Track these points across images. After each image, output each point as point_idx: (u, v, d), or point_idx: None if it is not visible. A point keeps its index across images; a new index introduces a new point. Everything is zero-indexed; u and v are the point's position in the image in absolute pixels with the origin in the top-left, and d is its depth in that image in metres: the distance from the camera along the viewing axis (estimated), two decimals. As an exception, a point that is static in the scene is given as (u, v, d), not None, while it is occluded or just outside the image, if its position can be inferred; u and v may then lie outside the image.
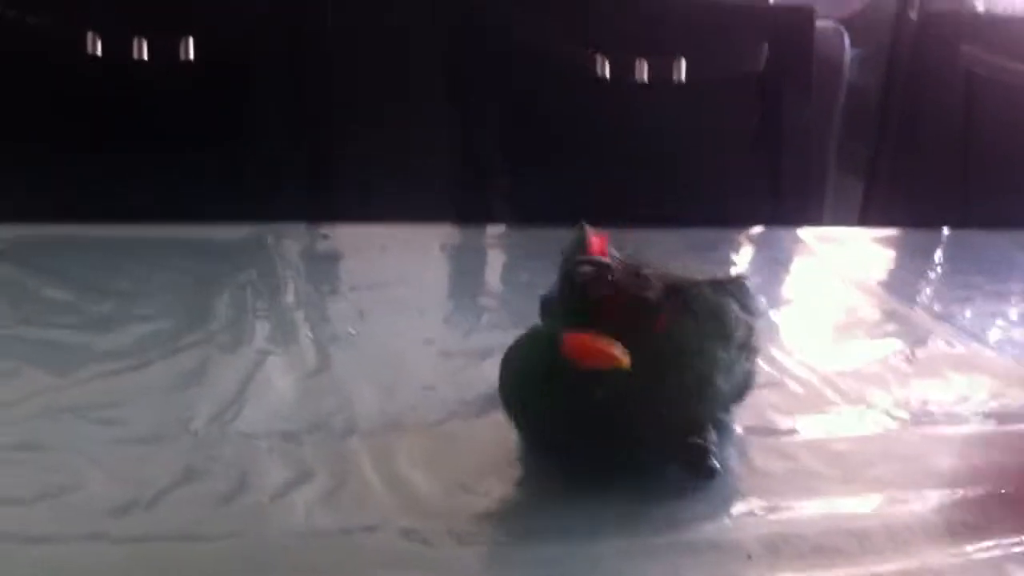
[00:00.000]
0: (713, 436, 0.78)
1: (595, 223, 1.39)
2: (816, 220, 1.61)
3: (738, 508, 0.76)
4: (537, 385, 0.75)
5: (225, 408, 0.83)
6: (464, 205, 1.44)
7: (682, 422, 0.78)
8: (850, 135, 1.88)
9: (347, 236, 1.29)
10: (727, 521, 0.74)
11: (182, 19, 1.39)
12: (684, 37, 1.47)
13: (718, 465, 0.77)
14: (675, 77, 1.49)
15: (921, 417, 0.92)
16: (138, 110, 1.37)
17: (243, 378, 0.88)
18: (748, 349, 0.84)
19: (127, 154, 1.34)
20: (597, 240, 0.84)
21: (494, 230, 1.40)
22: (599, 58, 1.47)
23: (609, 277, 0.79)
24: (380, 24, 1.63)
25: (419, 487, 0.74)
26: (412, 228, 1.35)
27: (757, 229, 1.46)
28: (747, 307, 0.86)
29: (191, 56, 1.38)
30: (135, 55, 1.37)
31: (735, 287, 0.87)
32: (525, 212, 1.44)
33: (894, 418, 0.91)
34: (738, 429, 0.86)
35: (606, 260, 0.81)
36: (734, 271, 0.92)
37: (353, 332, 1.00)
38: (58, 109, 1.33)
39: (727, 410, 0.84)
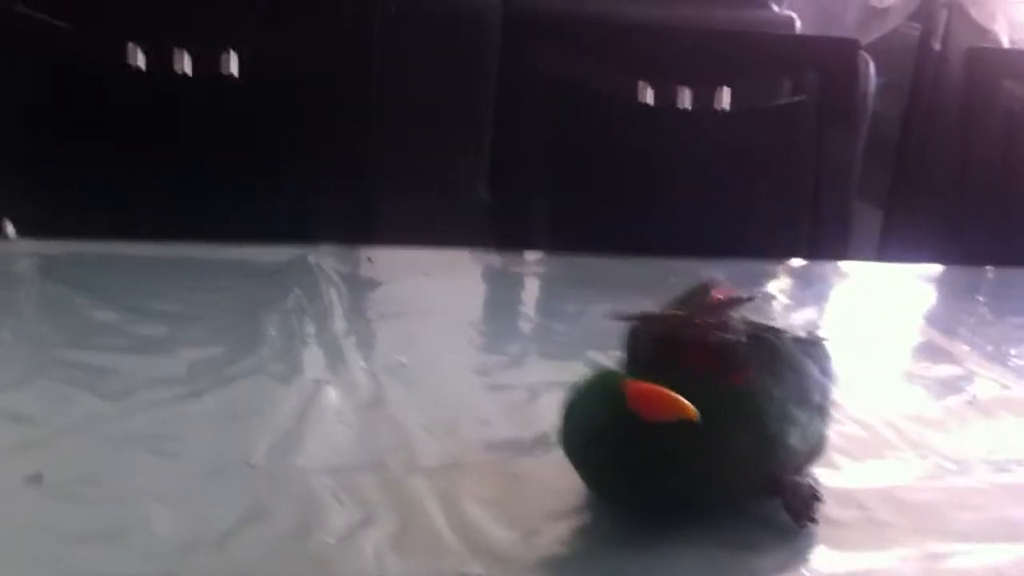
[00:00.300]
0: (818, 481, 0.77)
1: (633, 252, 1.40)
2: (845, 252, 1.60)
3: (816, 561, 0.74)
4: (602, 438, 0.72)
5: (283, 441, 0.81)
6: (505, 231, 1.42)
7: (751, 480, 0.76)
8: (868, 163, 1.88)
9: (390, 260, 1.27)
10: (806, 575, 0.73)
11: (225, 32, 1.37)
12: (728, 66, 1.46)
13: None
14: (718, 106, 1.48)
15: (986, 464, 0.91)
16: (179, 125, 1.36)
17: (299, 410, 0.86)
18: (823, 412, 0.82)
19: (167, 170, 1.33)
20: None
21: (534, 256, 1.38)
22: (642, 85, 1.45)
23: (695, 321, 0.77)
24: (428, 47, 1.62)
25: (488, 531, 0.72)
26: (454, 253, 1.33)
27: (798, 262, 1.45)
28: (825, 369, 0.85)
29: (234, 71, 1.37)
30: (177, 68, 1.36)
31: (815, 348, 0.85)
32: (566, 239, 1.42)
33: (958, 464, 0.90)
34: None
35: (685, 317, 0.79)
36: (813, 331, 0.89)
37: (404, 362, 0.98)
38: (100, 123, 1.32)
39: (799, 472, 0.82)
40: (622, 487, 0.74)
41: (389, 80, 1.35)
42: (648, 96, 1.47)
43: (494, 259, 1.36)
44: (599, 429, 0.72)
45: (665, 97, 1.47)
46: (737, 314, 0.80)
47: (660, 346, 0.77)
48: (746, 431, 0.75)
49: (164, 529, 0.69)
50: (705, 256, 1.36)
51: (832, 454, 0.88)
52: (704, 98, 1.48)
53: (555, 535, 0.73)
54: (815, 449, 0.82)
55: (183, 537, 0.68)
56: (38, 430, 0.79)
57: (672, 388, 0.71)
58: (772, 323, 0.84)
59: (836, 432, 0.92)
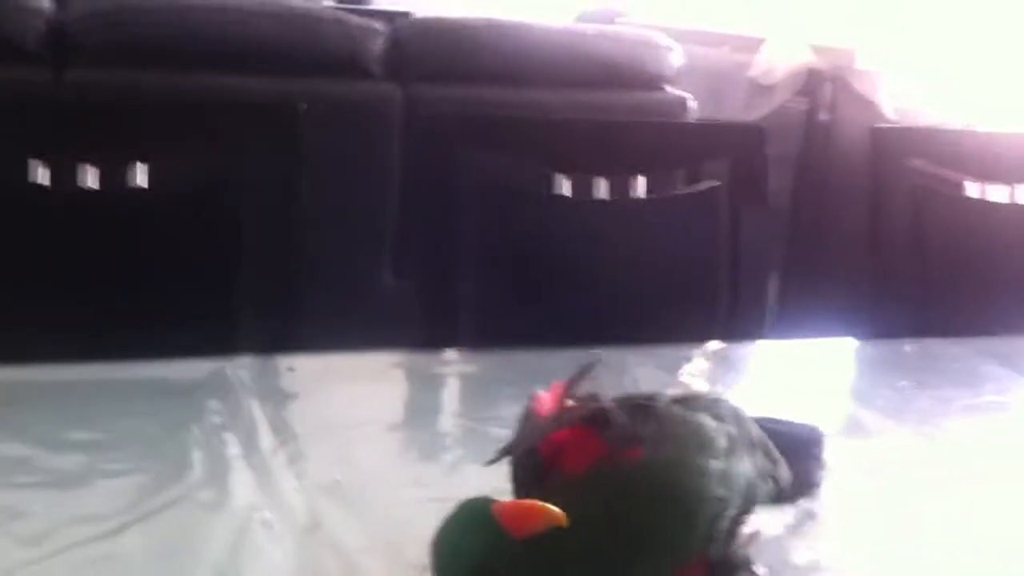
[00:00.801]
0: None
1: (557, 343, 1.38)
2: (762, 332, 1.61)
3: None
4: (489, 566, 0.69)
5: (220, 578, 0.76)
6: (427, 329, 1.40)
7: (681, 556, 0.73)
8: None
9: (311, 368, 1.23)
10: None
11: (133, 144, 1.33)
12: (642, 155, 1.47)
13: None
14: (633, 194, 1.49)
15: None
16: (86, 241, 1.30)
17: (232, 541, 0.81)
18: (734, 455, 0.79)
19: (73, 288, 1.27)
20: (549, 400, 0.81)
21: (457, 354, 1.36)
22: (558, 178, 1.45)
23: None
24: (345, 151, 1.60)
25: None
26: (376, 356, 1.30)
27: (716, 344, 1.45)
28: (720, 416, 0.82)
29: (143, 183, 1.33)
30: (82, 183, 1.31)
31: (702, 401, 0.83)
32: (489, 335, 1.40)
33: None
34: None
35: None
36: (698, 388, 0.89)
37: (339, 479, 0.94)
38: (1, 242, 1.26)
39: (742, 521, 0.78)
40: None
41: (310, 180, 1.32)
42: (565, 188, 1.47)
43: (418, 359, 1.33)
44: (482, 558, 0.69)
45: (581, 188, 1.47)
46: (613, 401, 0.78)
47: (538, 463, 0.75)
48: (656, 503, 0.72)
49: None
50: (629, 343, 1.36)
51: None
52: (619, 187, 1.48)
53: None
54: (752, 495, 0.78)
55: None
56: (-52, 586, 0.73)
57: (562, 496, 0.69)
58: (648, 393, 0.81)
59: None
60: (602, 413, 0.76)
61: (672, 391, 1.24)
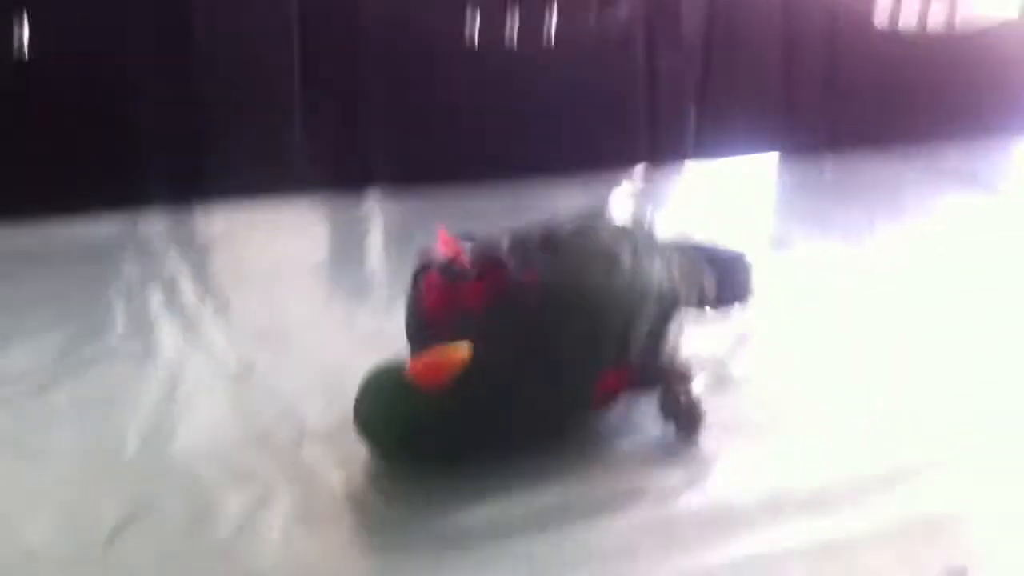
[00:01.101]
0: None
1: (475, 180, 1.36)
2: (684, 153, 1.59)
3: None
4: (413, 427, 0.69)
5: (154, 429, 0.74)
6: (343, 170, 1.36)
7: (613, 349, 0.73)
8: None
9: (229, 217, 1.20)
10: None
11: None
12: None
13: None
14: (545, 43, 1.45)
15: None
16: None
17: (164, 392, 0.80)
18: (640, 264, 0.79)
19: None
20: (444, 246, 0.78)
21: (375, 194, 1.33)
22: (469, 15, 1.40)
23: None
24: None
25: (395, 493, 0.69)
26: (293, 202, 1.27)
27: (640, 169, 1.44)
28: (623, 234, 0.81)
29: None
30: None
31: (591, 217, 0.84)
32: (405, 173, 1.37)
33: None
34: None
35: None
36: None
37: (268, 325, 0.92)
38: None
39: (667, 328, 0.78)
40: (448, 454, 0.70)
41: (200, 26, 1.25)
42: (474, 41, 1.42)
43: (338, 203, 1.31)
44: (410, 423, 0.69)
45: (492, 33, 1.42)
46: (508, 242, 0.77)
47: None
48: (557, 320, 0.72)
49: (39, 540, 0.63)
50: (556, 175, 1.35)
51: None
52: (531, 33, 1.44)
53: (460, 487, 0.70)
54: (668, 299, 0.79)
55: (62, 548, 0.62)
56: None
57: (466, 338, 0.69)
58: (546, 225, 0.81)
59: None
60: (488, 253, 0.75)
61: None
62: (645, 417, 0.75)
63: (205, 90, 1.28)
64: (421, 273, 0.76)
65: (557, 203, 1.26)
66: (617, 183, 1.37)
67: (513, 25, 1.43)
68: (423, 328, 0.74)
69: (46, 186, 1.22)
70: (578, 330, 0.73)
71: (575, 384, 0.73)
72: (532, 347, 0.71)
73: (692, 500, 0.67)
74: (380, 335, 0.91)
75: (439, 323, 0.73)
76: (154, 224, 1.13)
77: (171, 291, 0.98)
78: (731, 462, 0.71)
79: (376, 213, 1.29)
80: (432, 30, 1.41)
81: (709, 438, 0.73)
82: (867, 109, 1.60)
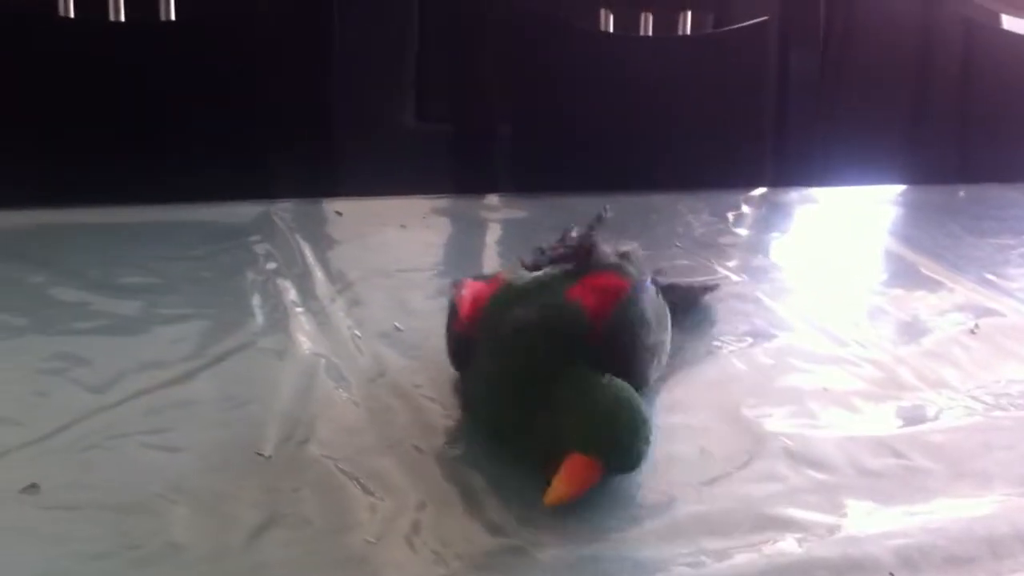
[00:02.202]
0: None
1: (598, 190, 1.35)
2: (811, 178, 1.57)
3: (857, 514, 0.71)
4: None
5: (293, 427, 0.75)
6: (469, 172, 1.37)
7: None
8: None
9: (359, 213, 1.21)
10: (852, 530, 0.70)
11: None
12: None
13: None
14: (681, 31, 1.43)
15: (1007, 400, 0.89)
16: (116, 78, 1.26)
17: (301, 389, 0.80)
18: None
19: (110, 128, 1.23)
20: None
21: (499, 199, 1.33)
22: (604, 12, 1.40)
23: None
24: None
25: (534, 502, 0.69)
26: (420, 201, 1.27)
27: (760, 190, 1.42)
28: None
29: (172, 16, 1.28)
30: (111, 16, 1.26)
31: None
32: (531, 180, 1.37)
33: (980, 402, 0.88)
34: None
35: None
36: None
37: (399, 326, 0.93)
38: (32, 80, 1.21)
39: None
40: None
41: (348, 17, 1.27)
42: (609, 23, 1.41)
43: (460, 204, 1.31)
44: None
45: (626, 23, 1.41)
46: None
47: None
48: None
49: (183, 533, 0.64)
50: (675, 189, 1.33)
51: (854, 399, 0.86)
52: (665, 23, 1.43)
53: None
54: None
55: (206, 543, 0.63)
56: (23, 432, 0.72)
57: None
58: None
59: (851, 373, 0.90)
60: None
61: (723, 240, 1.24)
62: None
63: (339, 86, 1.31)
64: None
65: (680, 216, 1.25)
66: (738, 202, 1.34)
67: (647, 29, 1.42)
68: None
69: (179, 168, 1.26)
70: None
71: None
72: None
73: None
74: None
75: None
76: (286, 215, 1.14)
77: (304, 284, 0.99)
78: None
79: (497, 217, 1.29)
80: (564, 33, 1.41)
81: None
82: (1001, 139, 1.56)
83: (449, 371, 0.85)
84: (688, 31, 1.43)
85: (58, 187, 1.16)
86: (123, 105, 1.24)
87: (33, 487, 0.66)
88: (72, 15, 1.24)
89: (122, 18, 1.25)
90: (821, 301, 1.07)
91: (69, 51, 1.22)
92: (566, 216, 1.30)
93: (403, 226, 1.16)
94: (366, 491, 0.69)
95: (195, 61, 1.26)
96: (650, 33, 1.41)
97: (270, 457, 0.72)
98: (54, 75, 1.22)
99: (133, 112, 1.25)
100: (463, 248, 1.20)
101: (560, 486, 0.66)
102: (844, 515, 0.71)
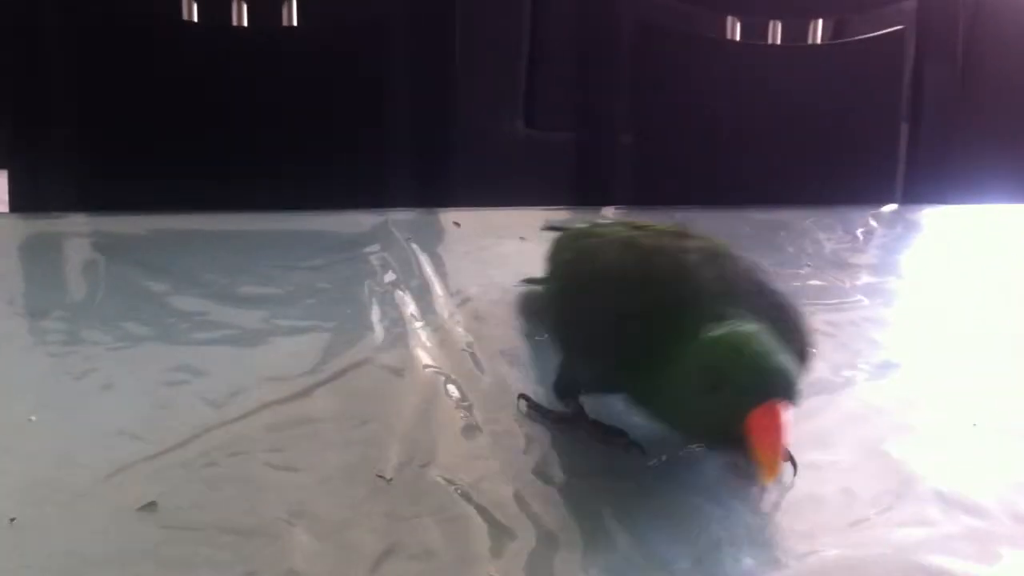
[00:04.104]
0: None
1: (720, 202, 1.31)
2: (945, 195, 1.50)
3: (1013, 565, 0.66)
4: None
5: (413, 448, 0.73)
6: (586, 186, 1.33)
7: None
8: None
9: (477, 223, 1.19)
10: None
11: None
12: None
13: None
14: (811, 40, 1.38)
15: None
16: (236, 84, 1.26)
17: (422, 410, 0.78)
18: None
19: (229, 135, 1.23)
20: None
21: (625, 213, 1.29)
22: (731, 20, 1.35)
23: None
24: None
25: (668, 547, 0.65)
26: (536, 212, 1.24)
27: (892, 206, 1.36)
28: None
29: (294, 21, 1.27)
30: (234, 20, 1.26)
31: None
32: (651, 192, 1.33)
33: None
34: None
35: None
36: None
37: (518, 344, 0.90)
38: (150, 86, 1.22)
39: None
40: None
41: (470, 27, 1.25)
42: (736, 32, 1.37)
43: (578, 217, 1.28)
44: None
45: (754, 32, 1.37)
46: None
47: None
48: None
49: (303, 560, 0.62)
50: (804, 204, 1.28)
51: (1003, 435, 0.81)
52: (795, 31, 1.38)
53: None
54: None
55: (325, 572, 0.61)
56: (143, 447, 0.71)
57: None
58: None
59: (1000, 407, 0.84)
60: None
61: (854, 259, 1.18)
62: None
63: (456, 94, 1.29)
64: None
65: (809, 233, 1.20)
66: (866, 221, 1.28)
67: (775, 38, 1.37)
68: None
69: (293, 175, 1.26)
70: None
71: None
72: None
73: None
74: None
75: None
76: (404, 225, 1.12)
77: (423, 297, 0.97)
78: None
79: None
80: (689, 41, 1.37)
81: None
82: None
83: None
84: (819, 40, 1.38)
85: (178, 193, 1.16)
86: (242, 112, 1.24)
87: (152, 505, 0.65)
88: (196, 19, 1.24)
89: (244, 23, 1.26)
90: (960, 327, 1.00)
91: (190, 56, 1.23)
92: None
93: (522, 238, 1.13)
94: (489, 521, 0.66)
95: (314, 69, 1.25)
96: (779, 42, 1.37)
97: (391, 480, 0.69)
98: (175, 81, 1.23)
99: (252, 119, 1.25)
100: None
101: (767, 452, 0.62)
102: (999, 565, 0.66)
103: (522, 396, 0.79)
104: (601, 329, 0.71)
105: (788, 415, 0.62)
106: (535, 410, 0.78)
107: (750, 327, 0.66)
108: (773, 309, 0.70)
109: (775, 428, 0.61)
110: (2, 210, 1.31)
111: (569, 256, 0.83)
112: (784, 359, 0.64)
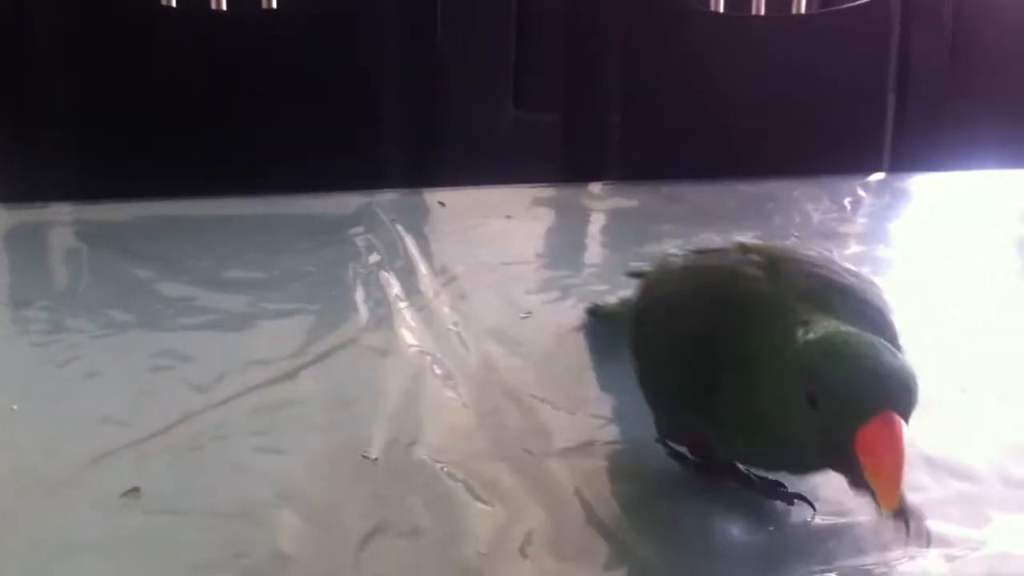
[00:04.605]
0: None
1: (707, 175, 1.30)
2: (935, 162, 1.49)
3: (1002, 528, 0.66)
4: None
5: (399, 428, 0.72)
6: (571, 162, 1.33)
7: None
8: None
9: (462, 203, 1.18)
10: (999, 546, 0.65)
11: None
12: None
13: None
14: (796, 10, 1.37)
15: None
16: (217, 69, 1.25)
17: (407, 388, 0.78)
18: None
19: (212, 119, 1.23)
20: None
21: (604, 187, 1.28)
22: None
23: None
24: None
25: (650, 523, 0.65)
26: (523, 190, 1.24)
27: (879, 175, 1.35)
28: None
29: (273, 5, 1.26)
30: (212, 5, 1.25)
31: None
32: (639, 166, 1.32)
33: None
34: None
35: None
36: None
37: (506, 323, 0.89)
38: (131, 69, 1.21)
39: None
40: None
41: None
42: (720, 3, 1.36)
43: (565, 193, 1.27)
44: None
45: (739, 3, 1.36)
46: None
47: None
48: None
49: (290, 542, 0.61)
50: (791, 175, 1.28)
51: (992, 400, 0.81)
52: (780, 1, 1.37)
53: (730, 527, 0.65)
54: None
55: (314, 552, 0.60)
56: (127, 432, 0.71)
57: None
58: None
59: (990, 373, 0.84)
60: None
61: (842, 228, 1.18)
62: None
63: (442, 75, 1.28)
64: None
65: (797, 205, 1.19)
66: (853, 191, 1.28)
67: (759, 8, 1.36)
68: None
69: (281, 159, 1.25)
70: None
71: None
72: None
73: None
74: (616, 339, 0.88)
75: None
76: (388, 206, 1.12)
77: (408, 278, 0.96)
78: None
79: (604, 206, 1.24)
80: (673, 13, 1.36)
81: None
82: None
83: (559, 370, 0.82)
84: (803, 9, 1.37)
85: (161, 179, 1.15)
86: (224, 96, 1.23)
87: (135, 491, 0.65)
88: (174, 4, 1.23)
89: (223, 7, 1.25)
90: (951, 294, 1.00)
91: (170, 41, 1.22)
92: (676, 205, 1.27)
93: (508, 217, 1.12)
94: (477, 498, 0.66)
95: (296, 52, 1.24)
96: (763, 12, 1.36)
97: (376, 460, 0.69)
98: (155, 66, 1.22)
99: (234, 103, 1.24)
100: (570, 239, 1.16)
101: (883, 476, 0.52)
102: (989, 528, 0.66)
103: (660, 441, 0.69)
104: (675, 360, 0.65)
105: (904, 429, 0.53)
106: (677, 459, 0.68)
107: (846, 327, 0.57)
108: (859, 307, 0.62)
109: (892, 446, 0.52)
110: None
111: (642, 296, 0.75)
112: (894, 360, 0.55)
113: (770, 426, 0.58)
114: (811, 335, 0.57)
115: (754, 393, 0.58)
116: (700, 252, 0.75)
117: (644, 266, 0.81)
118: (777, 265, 0.65)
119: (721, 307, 0.63)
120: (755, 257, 0.67)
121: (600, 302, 0.90)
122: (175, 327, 0.87)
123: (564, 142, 1.35)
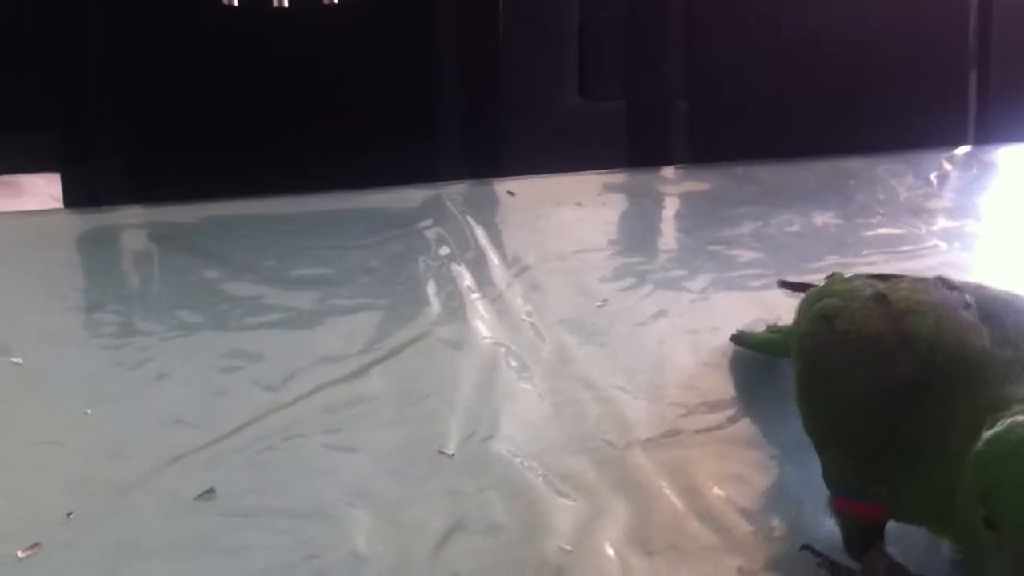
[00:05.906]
0: None
1: (785, 156, 1.26)
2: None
3: None
4: None
5: (475, 422, 0.70)
6: (640, 146, 1.29)
7: None
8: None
9: (527, 192, 1.15)
10: None
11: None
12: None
13: None
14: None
15: None
16: (281, 65, 1.24)
17: (482, 381, 0.75)
18: None
19: (276, 117, 1.22)
20: None
21: (676, 171, 1.25)
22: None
23: None
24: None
25: (736, 514, 0.62)
26: (592, 177, 1.21)
27: (965, 148, 1.29)
28: None
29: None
30: (275, 2, 1.24)
31: None
32: (707, 148, 1.29)
33: None
34: None
35: None
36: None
37: (581, 313, 0.86)
38: (194, 71, 1.21)
39: None
40: None
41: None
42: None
43: (639, 179, 1.24)
44: None
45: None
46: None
47: None
48: None
49: (365, 542, 0.60)
50: (872, 152, 1.23)
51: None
52: None
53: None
54: None
55: (390, 551, 0.59)
56: (200, 435, 0.69)
57: None
58: None
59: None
60: None
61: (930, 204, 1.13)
62: None
63: (506, 64, 1.26)
64: None
65: (881, 181, 1.15)
66: (939, 165, 1.22)
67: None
68: None
69: (345, 154, 1.23)
70: None
71: None
72: None
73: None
74: (700, 327, 0.85)
75: None
76: (457, 198, 1.10)
77: (480, 270, 0.94)
78: None
79: (676, 191, 1.21)
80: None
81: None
82: None
83: (637, 358, 0.79)
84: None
85: (226, 179, 1.15)
86: (288, 92, 1.22)
87: (209, 492, 0.64)
88: (236, 3, 1.23)
89: (285, 3, 1.24)
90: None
91: (232, 41, 1.21)
92: (753, 186, 1.23)
93: (579, 204, 1.09)
94: (558, 492, 0.63)
95: (359, 46, 1.23)
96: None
97: (452, 455, 0.67)
98: (218, 66, 1.21)
99: (299, 99, 1.23)
100: (642, 225, 1.13)
101: None
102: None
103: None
104: (869, 413, 0.54)
105: None
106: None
107: None
108: None
109: None
110: (56, 206, 1.31)
111: (808, 324, 0.64)
112: None
113: (956, 535, 0.48)
114: (995, 431, 0.44)
115: (947, 483, 0.47)
116: (882, 277, 0.64)
117: (798, 280, 0.78)
118: (992, 314, 0.54)
119: (941, 365, 0.52)
120: (966, 297, 0.56)
121: (746, 329, 0.81)
122: (244, 327, 0.85)
123: (631, 128, 1.32)
